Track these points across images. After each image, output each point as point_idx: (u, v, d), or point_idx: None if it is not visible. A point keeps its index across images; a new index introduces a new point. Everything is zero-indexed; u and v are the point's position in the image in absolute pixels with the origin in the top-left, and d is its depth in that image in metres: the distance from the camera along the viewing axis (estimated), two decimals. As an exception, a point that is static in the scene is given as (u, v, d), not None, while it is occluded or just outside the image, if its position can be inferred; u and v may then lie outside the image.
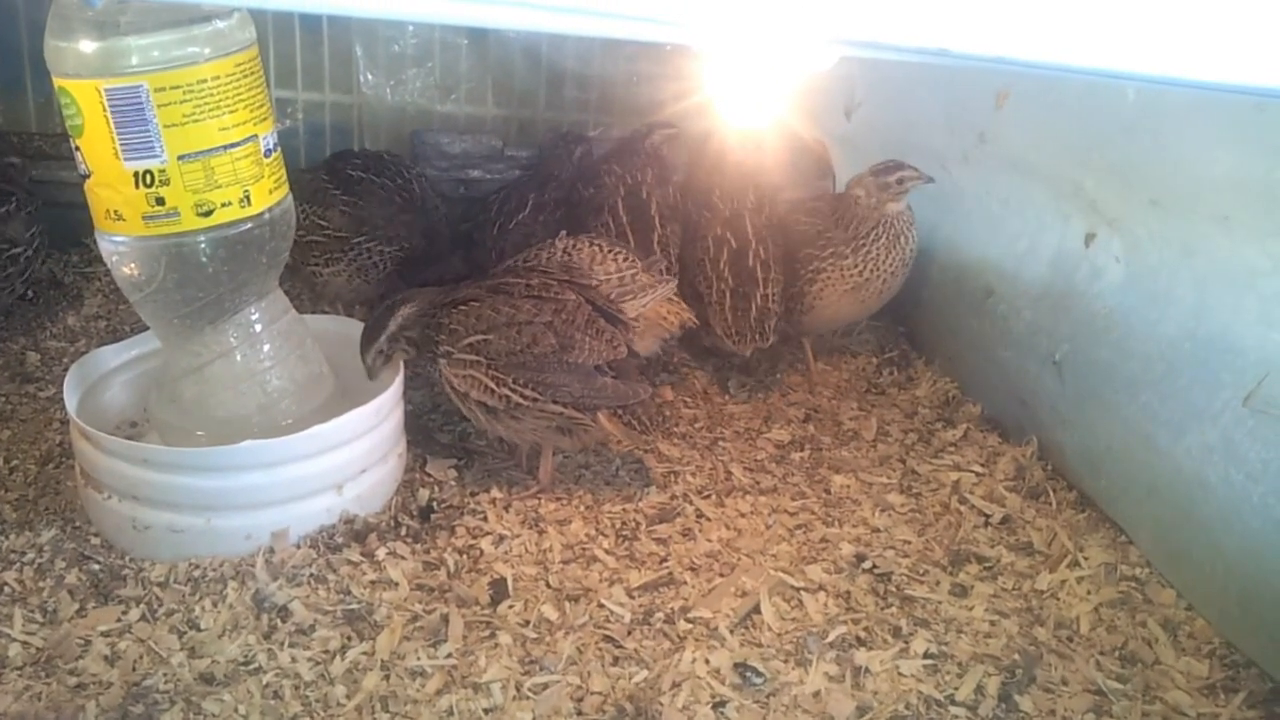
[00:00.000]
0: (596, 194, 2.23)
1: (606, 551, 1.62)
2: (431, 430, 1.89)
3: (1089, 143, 1.76)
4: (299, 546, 1.55)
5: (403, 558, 1.56)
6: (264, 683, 1.32)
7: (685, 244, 2.20)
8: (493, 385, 1.64)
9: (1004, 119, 1.96)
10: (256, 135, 1.48)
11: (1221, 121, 1.47)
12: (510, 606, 1.49)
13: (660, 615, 1.49)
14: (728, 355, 2.16)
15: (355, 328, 1.86)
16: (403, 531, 1.62)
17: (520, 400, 1.64)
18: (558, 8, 0.72)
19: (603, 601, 1.50)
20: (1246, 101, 1.39)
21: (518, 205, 2.27)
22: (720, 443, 1.93)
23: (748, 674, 1.39)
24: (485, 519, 1.67)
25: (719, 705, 1.34)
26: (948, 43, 0.79)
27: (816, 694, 1.37)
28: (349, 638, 1.41)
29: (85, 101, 1.37)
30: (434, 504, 1.69)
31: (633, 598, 1.52)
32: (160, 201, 1.42)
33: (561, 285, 1.70)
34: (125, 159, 1.39)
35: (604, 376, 1.66)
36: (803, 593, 1.55)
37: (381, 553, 1.56)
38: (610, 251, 1.88)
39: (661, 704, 1.33)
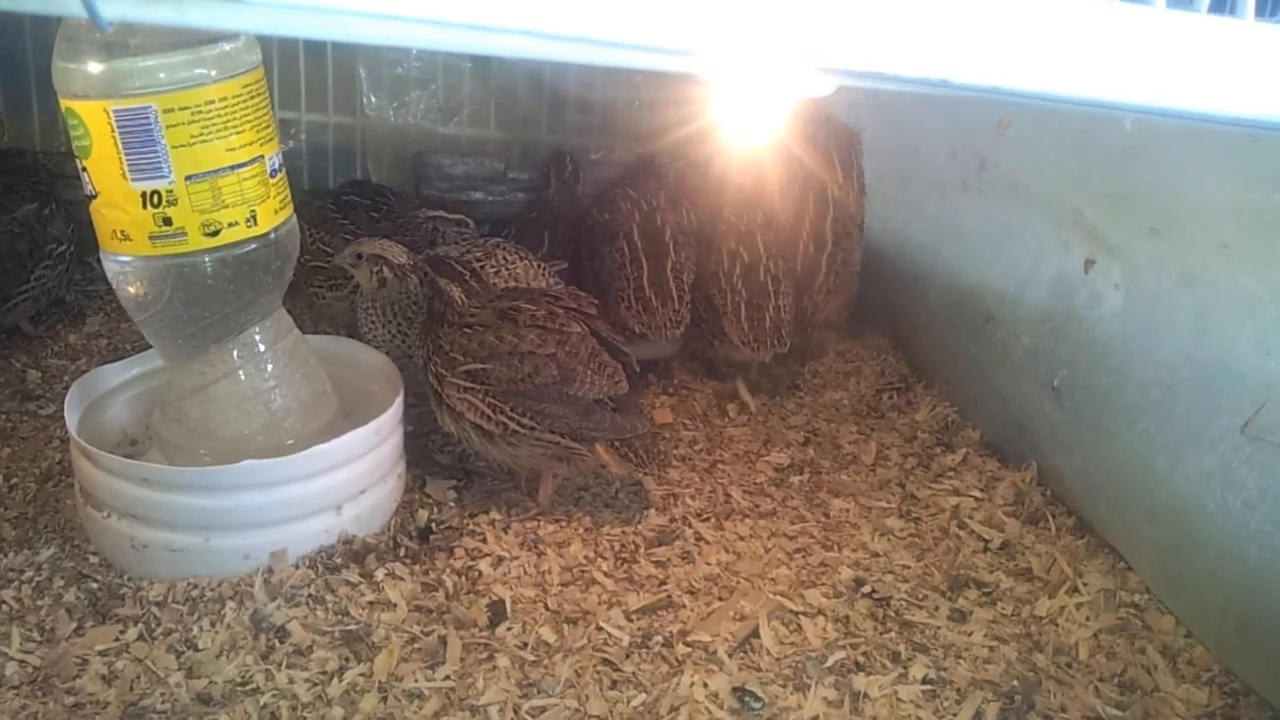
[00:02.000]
0: (611, 220, 2.23)
1: (605, 574, 1.61)
2: (431, 451, 1.89)
3: (1089, 170, 1.78)
4: (297, 567, 1.55)
5: (401, 579, 1.56)
6: (261, 703, 1.32)
7: (699, 258, 2.22)
8: (489, 411, 1.64)
9: (1005, 146, 1.98)
10: (263, 156, 1.49)
11: (1220, 150, 1.49)
12: (509, 629, 1.48)
13: (659, 638, 1.48)
14: (741, 364, 2.18)
15: (358, 349, 1.88)
16: (401, 552, 1.62)
17: (516, 428, 1.64)
18: (561, 36, 0.73)
19: (601, 624, 1.50)
20: (1244, 132, 1.40)
21: (533, 244, 2.26)
22: (720, 465, 1.94)
23: (746, 698, 1.39)
24: (484, 540, 1.67)
25: (717, 730, 1.34)
26: (949, 73, 0.79)
27: (815, 719, 1.37)
28: (347, 659, 1.41)
29: (93, 122, 1.38)
30: (433, 525, 1.69)
31: (631, 621, 1.52)
32: (168, 222, 1.43)
33: (568, 316, 1.70)
34: (133, 179, 1.40)
35: (603, 409, 1.66)
36: (802, 617, 1.55)
37: (380, 574, 1.56)
38: (538, 265, 1.99)
39: (660, 728, 1.33)
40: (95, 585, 1.51)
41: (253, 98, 1.46)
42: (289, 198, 1.58)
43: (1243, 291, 1.49)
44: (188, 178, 1.42)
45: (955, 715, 1.38)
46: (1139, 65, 0.83)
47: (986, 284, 2.07)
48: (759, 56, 0.77)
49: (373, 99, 2.56)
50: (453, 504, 1.75)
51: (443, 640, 1.44)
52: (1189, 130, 1.52)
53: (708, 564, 1.65)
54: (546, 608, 1.53)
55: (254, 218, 1.49)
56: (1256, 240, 1.47)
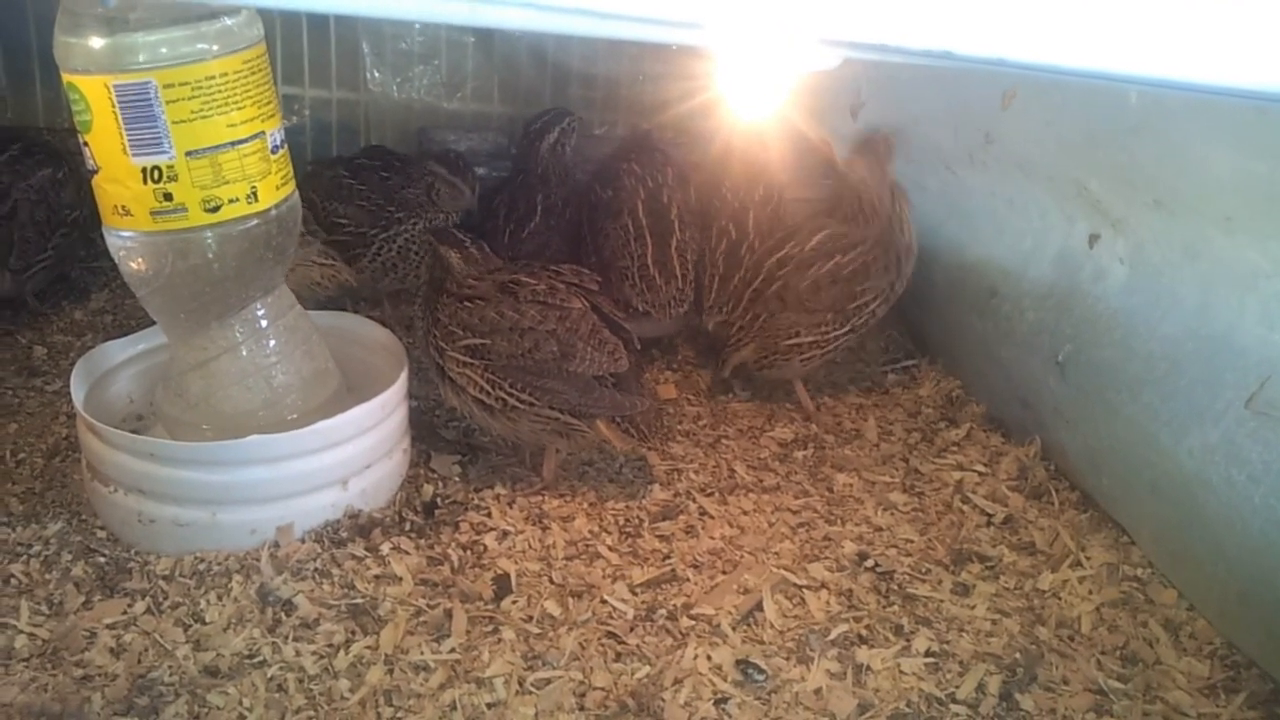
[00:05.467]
0: (616, 196, 2.22)
1: (610, 548, 1.62)
2: (436, 426, 1.90)
3: (1094, 144, 1.77)
4: (304, 541, 1.56)
5: (407, 553, 1.57)
6: (268, 676, 1.33)
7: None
8: (488, 386, 1.65)
9: (1010, 119, 1.96)
10: (264, 132, 1.48)
11: (1225, 124, 1.48)
12: (513, 602, 1.49)
13: (663, 612, 1.49)
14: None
15: (362, 324, 1.88)
16: (407, 526, 1.62)
17: (516, 403, 1.64)
18: (563, 9, 0.73)
19: (605, 598, 1.51)
20: (1249, 104, 1.39)
21: (526, 211, 2.25)
22: (724, 441, 1.94)
23: (749, 671, 1.40)
24: (489, 515, 1.67)
25: (721, 702, 1.35)
26: (953, 45, 0.79)
27: (818, 691, 1.38)
28: (353, 632, 1.42)
29: (94, 97, 1.38)
30: (438, 499, 1.70)
31: (635, 594, 1.53)
32: (168, 197, 1.43)
33: (569, 291, 1.70)
34: (133, 155, 1.40)
35: (603, 385, 1.66)
36: (805, 590, 1.55)
37: (386, 548, 1.57)
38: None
39: (664, 700, 1.34)
40: (103, 559, 1.52)
41: (254, 73, 1.45)
42: (291, 174, 1.58)
43: (1247, 265, 1.49)
44: (188, 153, 1.41)
45: (958, 688, 1.39)
46: (1145, 37, 0.82)
47: (991, 259, 2.06)
48: (764, 29, 0.76)
49: (376, 74, 2.55)
50: (458, 479, 1.76)
51: (448, 613, 1.45)
52: (1194, 103, 1.51)
53: (711, 538, 1.66)
54: (551, 581, 1.54)
55: (255, 194, 1.49)
56: (1261, 214, 1.46)
